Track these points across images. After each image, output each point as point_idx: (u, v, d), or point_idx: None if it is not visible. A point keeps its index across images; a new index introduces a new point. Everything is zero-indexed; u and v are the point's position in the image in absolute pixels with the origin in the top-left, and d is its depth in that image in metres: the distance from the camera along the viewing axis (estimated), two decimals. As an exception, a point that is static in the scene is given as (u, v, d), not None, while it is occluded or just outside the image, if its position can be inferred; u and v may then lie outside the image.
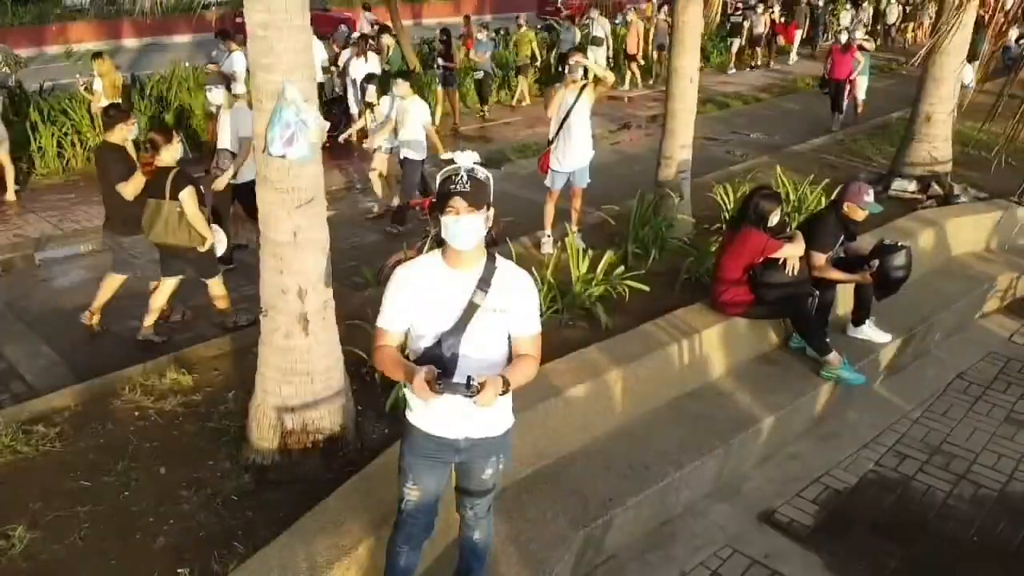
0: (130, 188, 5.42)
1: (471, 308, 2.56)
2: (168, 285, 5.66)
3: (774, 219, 4.84)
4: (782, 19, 19.30)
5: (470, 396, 2.38)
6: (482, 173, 2.55)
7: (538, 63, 15.16)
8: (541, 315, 5.31)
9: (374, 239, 7.96)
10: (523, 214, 8.23)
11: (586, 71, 6.56)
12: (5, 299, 6.70)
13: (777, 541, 4.22)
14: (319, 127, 3.42)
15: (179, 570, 3.19)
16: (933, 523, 4.42)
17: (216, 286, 5.72)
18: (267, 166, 3.48)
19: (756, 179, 8.59)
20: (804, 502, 4.53)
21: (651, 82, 16.64)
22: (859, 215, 5.12)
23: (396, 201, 8.11)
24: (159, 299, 5.70)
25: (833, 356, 5.00)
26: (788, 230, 5.13)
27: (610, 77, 6.49)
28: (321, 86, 11.91)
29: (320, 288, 3.72)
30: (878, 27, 21.19)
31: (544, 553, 3.51)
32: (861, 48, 12.53)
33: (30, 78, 12.98)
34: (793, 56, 19.67)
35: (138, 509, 3.63)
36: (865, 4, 22.05)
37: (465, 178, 2.50)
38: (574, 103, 6.41)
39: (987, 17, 8.28)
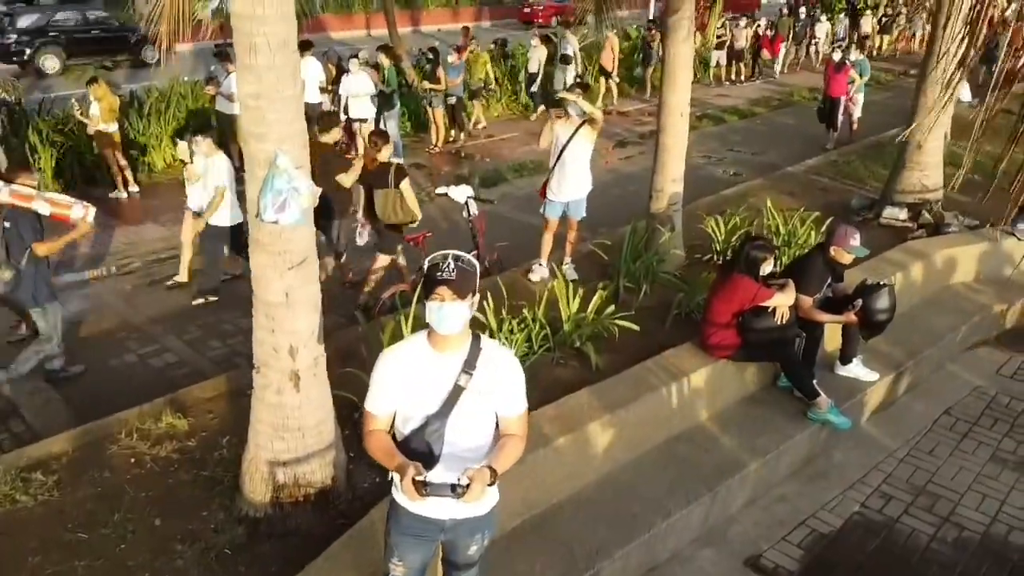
0: (349, 179, 6.65)
1: (456, 391, 2.63)
2: (383, 260, 6.66)
3: (766, 268, 4.91)
4: (767, 32, 19.35)
5: (457, 498, 2.44)
6: (467, 261, 2.62)
7: (492, 87, 14.65)
8: (533, 353, 5.43)
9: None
10: (518, 237, 8.34)
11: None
12: (5, 330, 6.76)
13: (762, 587, 4.30)
14: (311, 192, 3.49)
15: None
16: (917, 568, 4.49)
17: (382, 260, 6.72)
18: (259, 230, 3.55)
19: (749, 205, 8.69)
20: (790, 546, 4.59)
21: (646, 95, 16.70)
22: (846, 258, 5.19)
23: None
24: (377, 273, 6.70)
25: (821, 399, 5.07)
26: (777, 265, 5.16)
27: (598, 116, 6.48)
28: (319, 106, 12.00)
29: (312, 345, 3.79)
30: (854, 37, 21.32)
31: (531, 609, 3.57)
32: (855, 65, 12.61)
33: (30, 90, 13.12)
34: (778, 69, 19.76)
35: (134, 564, 3.71)
36: (842, 16, 22.20)
37: (452, 266, 2.56)
38: (569, 139, 6.49)
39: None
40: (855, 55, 12.99)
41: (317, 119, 7.26)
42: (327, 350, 4.01)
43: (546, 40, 15.14)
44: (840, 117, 12.80)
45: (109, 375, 6.03)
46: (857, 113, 12.89)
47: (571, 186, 6.63)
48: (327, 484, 3.94)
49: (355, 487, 4.15)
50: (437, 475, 2.59)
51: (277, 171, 3.39)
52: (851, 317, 5.23)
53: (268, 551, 3.75)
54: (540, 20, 29.82)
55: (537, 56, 14.56)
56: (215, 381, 5.31)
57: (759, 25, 19.48)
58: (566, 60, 14.50)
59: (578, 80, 14.83)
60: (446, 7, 32.78)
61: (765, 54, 19.62)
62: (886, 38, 21.43)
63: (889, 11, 22.17)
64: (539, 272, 6.85)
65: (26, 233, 5.37)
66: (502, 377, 2.70)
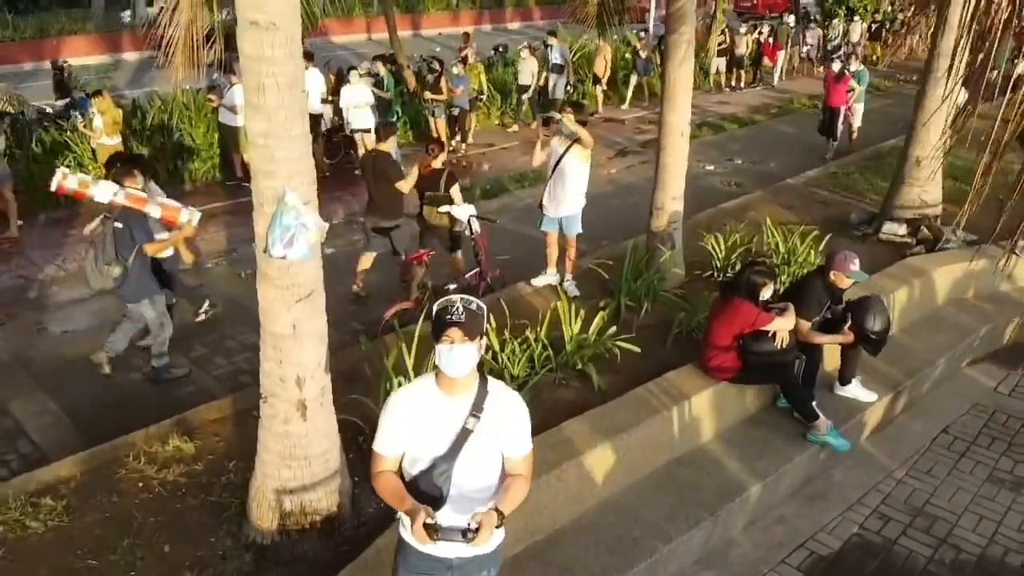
0: (407, 185, 7.11)
1: (464, 434, 2.68)
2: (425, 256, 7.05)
3: (766, 293, 4.97)
4: (769, 40, 19.41)
5: (467, 542, 2.50)
6: (476, 304, 2.67)
7: (484, 97, 14.48)
8: (536, 374, 5.48)
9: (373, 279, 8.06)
10: (519, 249, 8.41)
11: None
12: (10, 348, 6.83)
13: (762, 611, 4.36)
14: (319, 228, 3.55)
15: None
16: (914, 590, 4.56)
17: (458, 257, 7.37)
18: (267, 264, 3.61)
19: (749, 219, 8.75)
20: (789, 569, 4.66)
21: (645, 103, 16.77)
22: (845, 283, 5.25)
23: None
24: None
25: (820, 421, 5.13)
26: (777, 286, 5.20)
27: (585, 137, 6.45)
28: (320, 116, 12.06)
29: (318, 375, 3.85)
30: (842, 45, 21.41)
31: (535, 636, 3.63)
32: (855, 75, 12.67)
33: (34, 96, 13.13)
34: (776, 76, 19.83)
35: (143, 591, 3.77)
36: (835, 22, 22.22)
37: (460, 309, 2.62)
38: (564, 152, 6.58)
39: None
40: (854, 65, 13.05)
41: (376, 129, 8.04)
42: (332, 370, 4.07)
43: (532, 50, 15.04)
44: (840, 127, 12.88)
45: (115, 393, 6.08)
46: (857, 123, 12.94)
47: (562, 203, 6.72)
48: (333, 511, 4.00)
49: (360, 513, 4.21)
50: (445, 516, 2.64)
51: (286, 207, 3.45)
52: (848, 337, 5.29)
53: (275, 578, 3.81)
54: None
55: (529, 68, 14.37)
56: (221, 403, 5.36)
57: (761, 32, 19.54)
58: (558, 69, 14.46)
59: (569, 89, 14.97)
60: (446, 11, 32.84)
61: (766, 61, 19.69)
62: (876, 45, 21.44)
63: (878, 17, 22.16)
64: (544, 279, 6.91)
65: (137, 234, 5.70)
66: (509, 419, 2.76)
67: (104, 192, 5.54)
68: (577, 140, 6.47)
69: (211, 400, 5.66)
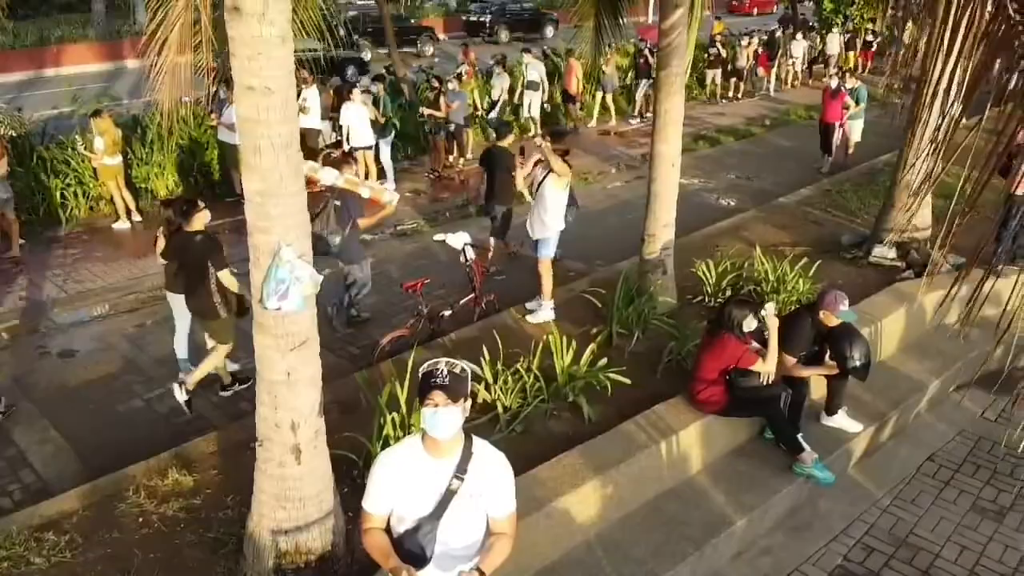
0: (521, 175, 7.82)
1: (448, 495, 2.80)
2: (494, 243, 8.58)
3: (750, 324, 5.08)
4: (758, 50, 19.55)
5: None
6: (460, 368, 2.78)
7: (479, 113, 14.60)
8: (528, 405, 5.58)
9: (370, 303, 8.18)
10: (515, 268, 8.53)
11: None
12: (12, 373, 6.94)
13: (746, 644, 4.47)
14: (312, 281, 3.66)
15: None
16: (895, 623, 4.67)
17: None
18: (262, 314, 3.72)
19: (742, 240, 8.87)
20: (774, 601, 4.77)
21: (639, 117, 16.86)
22: (833, 322, 5.35)
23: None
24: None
25: (805, 454, 5.23)
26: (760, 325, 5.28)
27: (557, 167, 6.68)
28: (319, 132, 12.20)
29: (312, 420, 3.96)
30: (821, 57, 21.53)
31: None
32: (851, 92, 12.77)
33: (33, 107, 13.25)
34: (771, 87, 19.94)
35: (144, 629, 3.88)
36: (812, 34, 22.31)
37: (445, 372, 2.73)
38: (543, 178, 6.84)
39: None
40: (851, 82, 13.14)
41: (495, 127, 9.13)
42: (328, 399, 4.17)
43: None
44: (837, 141, 12.99)
45: (116, 421, 6.20)
46: (855, 138, 12.99)
47: (535, 225, 6.99)
48: (327, 550, 4.11)
49: (353, 551, 4.30)
50: (429, 573, 2.76)
51: (280, 262, 3.56)
52: (832, 368, 5.41)
53: (271, 617, 3.92)
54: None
55: (500, 84, 14.39)
56: (219, 435, 5.47)
57: (758, 42, 19.66)
58: (532, 87, 14.53)
59: (546, 107, 15.08)
60: (443, 17, 32.96)
61: (760, 71, 19.81)
62: (851, 55, 21.48)
63: (850, 28, 22.16)
64: (538, 316, 7.05)
65: (353, 210, 6.93)
66: (492, 480, 2.87)
67: (329, 176, 6.67)
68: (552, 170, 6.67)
69: (209, 428, 5.80)
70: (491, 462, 2.89)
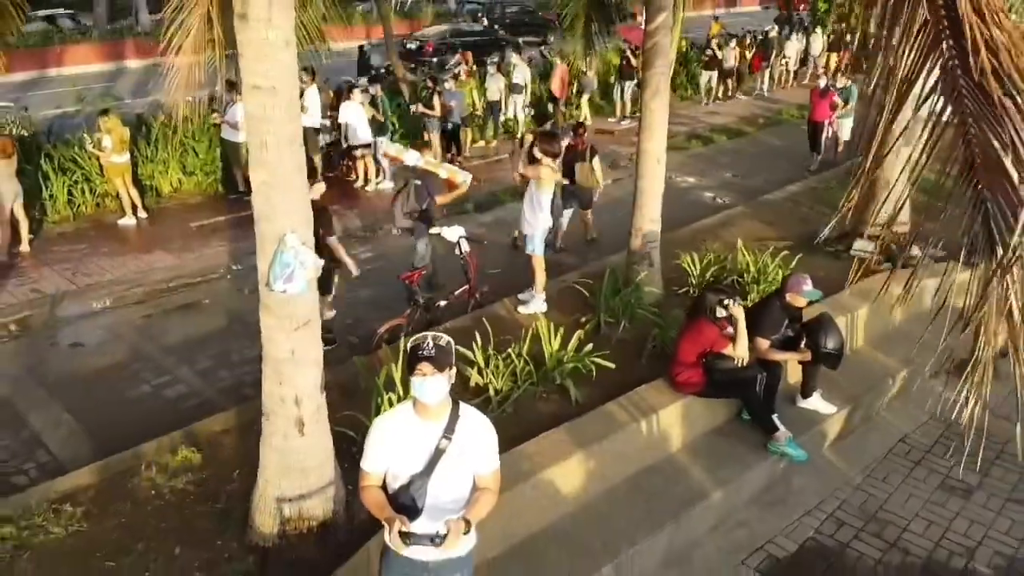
0: (598, 173, 9.41)
1: (438, 454, 3.10)
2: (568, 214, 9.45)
3: (723, 311, 5.39)
4: (747, 51, 19.83)
5: (437, 546, 2.92)
6: (444, 340, 3.09)
7: (478, 112, 14.82)
8: (518, 388, 5.88)
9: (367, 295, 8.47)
10: (511, 263, 8.82)
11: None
12: (25, 362, 7.24)
13: (720, 609, 4.77)
14: (315, 265, 3.96)
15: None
16: (862, 590, 4.97)
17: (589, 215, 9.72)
18: (268, 296, 4.02)
19: (729, 234, 9.17)
20: (747, 570, 5.07)
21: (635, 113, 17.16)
22: (800, 302, 5.67)
23: None
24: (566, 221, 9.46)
25: (779, 433, 5.54)
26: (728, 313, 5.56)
27: (533, 175, 7.15)
28: (319, 131, 12.49)
29: (314, 396, 4.27)
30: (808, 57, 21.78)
31: (508, 630, 4.05)
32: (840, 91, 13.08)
33: (36, 106, 13.55)
34: (765, 86, 20.22)
35: (158, 589, 4.18)
36: (801, 34, 22.56)
37: (431, 344, 3.04)
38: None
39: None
40: (842, 81, 13.45)
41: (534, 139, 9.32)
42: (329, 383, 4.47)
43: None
44: (826, 140, 13.31)
45: (126, 406, 6.50)
46: (845, 137, 13.30)
47: (524, 222, 7.38)
48: (328, 518, 4.41)
49: (353, 519, 4.61)
50: (421, 525, 3.06)
51: (285, 247, 3.86)
52: (805, 354, 5.71)
53: (276, 578, 4.23)
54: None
55: (496, 84, 14.71)
56: (225, 415, 5.77)
57: (750, 42, 19.94)
58: (516, 90, 14.83)
59: (527, 110, 15.38)
60: (445, 17, 33.26)
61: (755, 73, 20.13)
62: (834, 56, 21.75)
63: (836, 27, 22.39)
64: (530, 306, 7.35)
65: (431, 189, 7.55)
66: (478, 440, 3.17)
67: (411, 158, 7.57)
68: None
69: (215, 411, 6.09)
70: (476, 424, 3.20)
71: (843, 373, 6.25)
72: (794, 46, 20.98)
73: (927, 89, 3.33)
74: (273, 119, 3.67)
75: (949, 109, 3.23)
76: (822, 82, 13.16)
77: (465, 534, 3.01)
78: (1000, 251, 3.09)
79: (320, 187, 6.84)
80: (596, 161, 9.29)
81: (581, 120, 12.62)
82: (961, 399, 3.49)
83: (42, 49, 24.12)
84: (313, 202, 6.44)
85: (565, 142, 9.00)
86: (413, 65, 21.71)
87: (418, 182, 7.57)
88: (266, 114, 3.66)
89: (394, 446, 3.14)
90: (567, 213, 9.49)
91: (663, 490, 5.18)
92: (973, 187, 3.23)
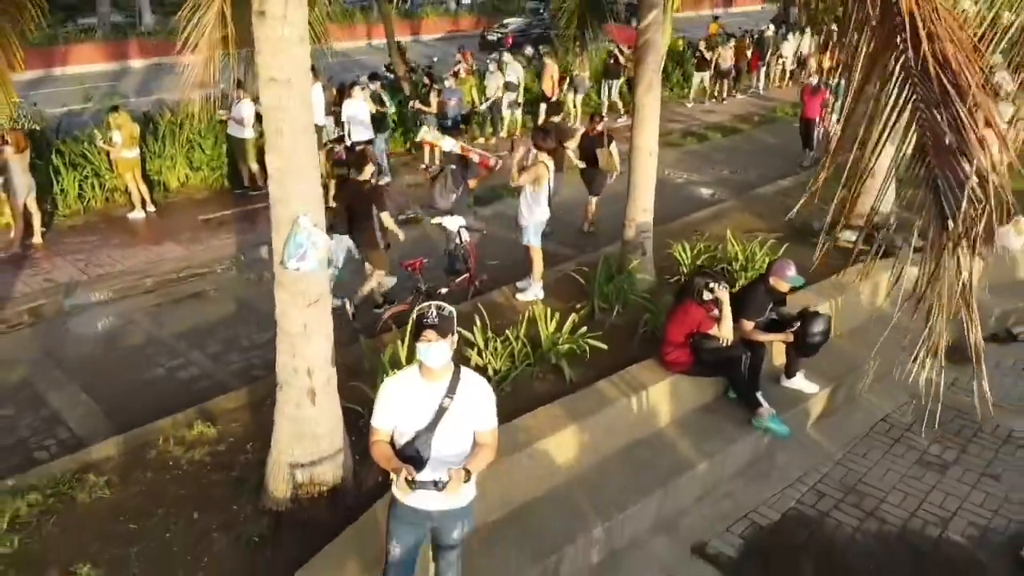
0: (573, 143, 9.99)
1: (441, 411, 3.41)
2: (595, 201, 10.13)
3: (708, 294, 5.70)
4: (754, 50, 20.11)
5: (439, 491, 3.23)
6: (447, 310, 3.39)
7: (477, 108, 14.89)
8: (515, 369, 6.18)
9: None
10: (511, 255, 9.09)
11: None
12: (42, 347, 7.54)
13: (705, 570, 5.08)
14: (326, 245, 4.26)
15: (217, 601, 4.04)
16: (839, 555, 5.27)
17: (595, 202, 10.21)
18: (283, 274, 4.32)
19: (720, 227, 9.46)
20: (732, 536, 5.38)
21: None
22: (784, 287, 5.98)
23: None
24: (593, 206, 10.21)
25: (763, 409, 5.84)
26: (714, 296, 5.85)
27: (527, 179, 7.48)
28: (323, 128, 12.77)
29: (325, 367, 4.57)
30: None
31: (506, 585, 4.36)
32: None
33: (43, 104, 13.79)
34: (761, 85, 20.51)
35: (179, 548, 4.48)
36: (795, 34, 22.80)
37: (434, 314, 3.35)
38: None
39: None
40: (834, 79, 13.74)
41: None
42: (337, 364, 4.77)
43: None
44: (817, 137, 13.60)
45: (141, 387, 6.80)
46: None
47: (520, 215, 7.65)
48: (337, 483, 4.71)
49: (360, 485, 4.91)
50: (424, 475, 3.37)
51: (298, 228, 4.17)
52: (788, 336, 6.02)
53: (289, 538, 4.52)
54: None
55: (495, 82, 14.94)
56: (237, 393, 6.08)
57: (747, 42, 20.22)
58: (510, 88, 15.06)
59: (517, 108, 15.69)
60: (444, 16, 33.57)
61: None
62: (822, 56, 22.00)
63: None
64: (527, 293, 7.65)
65: (466, 173, 8.28)
66: (477, 400, 3.48)
67: (449, 144, 8.42)
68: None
69: (227, 392, 6.38)
70: (476, 386, 3.51)
71: (827, 355, 6.55)
72: (790, 46, 21.26)
73: (884, 79, 3.62)
74: (288, 109, 3.97)
75: (903, 96, 3.52)
76: (813, 80, 13.45)
77: (465, 482, 3.31)
78: (951, 223, 3.38)
79: (371, 168, 7.48)
80: (613, 146, 9.86)
81: (594, 113, 12.97)
82: (918, 365, 3.75)
83: (47, 48, 24.40)
84: (365, 182, 7.38)
85: (580, 131, 10.22)
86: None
87: (453, 167, 8.33)
88: (281, 104, 3.96)
89: (401, 405, 3.45)
90: (593, 200, 10.18)
91: (652, 461, 5.48)
92: (926, 167, 3.52)
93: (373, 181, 7.50)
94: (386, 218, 7.42)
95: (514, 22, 29.55)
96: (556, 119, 11.35)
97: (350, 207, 7.45)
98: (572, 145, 9.94)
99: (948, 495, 5.91)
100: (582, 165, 10.04)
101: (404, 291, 7.70)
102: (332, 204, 8.68)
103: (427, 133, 9.66)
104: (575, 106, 16.79)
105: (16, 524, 4.68)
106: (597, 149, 9.87)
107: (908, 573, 5.15)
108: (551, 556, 4.62)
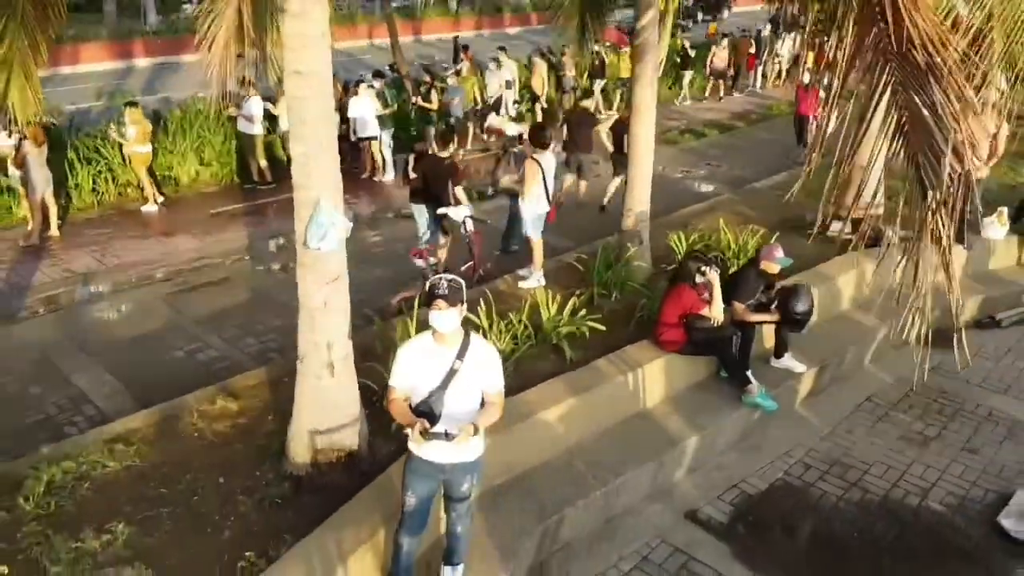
0: (604, 127, 10.91)
1: (451, 373, 3.75)
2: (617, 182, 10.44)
3: (700, 277, 6.04)
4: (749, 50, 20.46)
5: (449, 441, 3.58)
6: (457, 282, 3.74)
7: (479, 107, 15.29)
8: (518, 349, 6.51)
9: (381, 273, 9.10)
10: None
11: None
12: (65, 332, 7.87)
13: (697, 534, 5.41)
14: (346, 226, 4.60)
15: (246, 553, 4.37)
16: (824, 523, 5.60)
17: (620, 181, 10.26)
18: (304, 254, 4.66)
19: (714, 219, 9.80)
20: (722, 503, 5.72)
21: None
22: (773, 269, 6.32)
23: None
24: (613, 187, 10.78)
25: (752, 386, 6.18)
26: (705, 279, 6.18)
27: (523, 184, 7.94)
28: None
29: (343, 342, 4.90)
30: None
31: (511, 541, 4.70)
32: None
33: (53, 101, 14.11)
34: (758, 84, 20.85)
35: (206, 510, 4.81)
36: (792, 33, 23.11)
37: (445, 285, 3.70)
38: (523, 169, 8.04)
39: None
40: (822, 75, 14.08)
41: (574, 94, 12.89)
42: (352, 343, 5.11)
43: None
44: (811, 132, 13.93)
45: (162, 368, 7.14)
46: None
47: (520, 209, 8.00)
48: (354, 449, 5.05)
49: (375, 453, 5.25)
50: (437, 429, 3.71)
51: (319, 210, 4.50)
52: (775, 316, 6.36)
53: (310, 501, 4.85)
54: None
55: (497, 79, 15.29)
56: (256, 372, 6.40)
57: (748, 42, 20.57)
58: (508, 86, 15.46)
59: (516, 106, 16.05)
60: (446, 16, 33.93)
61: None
62: (811, 55, 22.31)
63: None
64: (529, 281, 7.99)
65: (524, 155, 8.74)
66: (485, 363, 3.82)
67: (513, 128, 10.11)
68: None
69: (245, 372, 6.72)
70: (484, 350, 3.85)
71: (816, 337, 6.90)
72: (786, 45, 21.60)
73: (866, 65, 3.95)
74: (311, 99, 4.31)
75: (883, 80, 3.85)
76: (806, 77, 13.80)
77: (473, 436, 3.66)
78: (931, 195, 3.72)
79: (452, 146, 8.27)
80: (603, 125, 10.88)
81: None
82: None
83: (54, 47, 24.71)
84: (444, 158, 8.05)
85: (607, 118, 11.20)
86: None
87: (515, 150, 9.31)
88: (304, 94, 4.30)
89: (416, 367, 3.79)
90: (615, 180, 10.64)
91: (647, 434, 5.83)
92: (906, 145, 3.85)
93: (454, 157, 8.19)
94: (459, 190, 7.96)
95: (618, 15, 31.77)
96: (587, 103, 12.23)
97: (426, 179, 8.03)
98: (604, 128, 10.86)
99: (929, 467, 6.25)
100: (611, 149, 10.77)
101: (409, 280, 8.03)
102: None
103: (494, 119, 11.22)
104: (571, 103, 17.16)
105: (52, 488, 5.00)
106: (624, 135, 10.30)
107: (889, 539, 5.48)
108: (552, 517, 4.96)
